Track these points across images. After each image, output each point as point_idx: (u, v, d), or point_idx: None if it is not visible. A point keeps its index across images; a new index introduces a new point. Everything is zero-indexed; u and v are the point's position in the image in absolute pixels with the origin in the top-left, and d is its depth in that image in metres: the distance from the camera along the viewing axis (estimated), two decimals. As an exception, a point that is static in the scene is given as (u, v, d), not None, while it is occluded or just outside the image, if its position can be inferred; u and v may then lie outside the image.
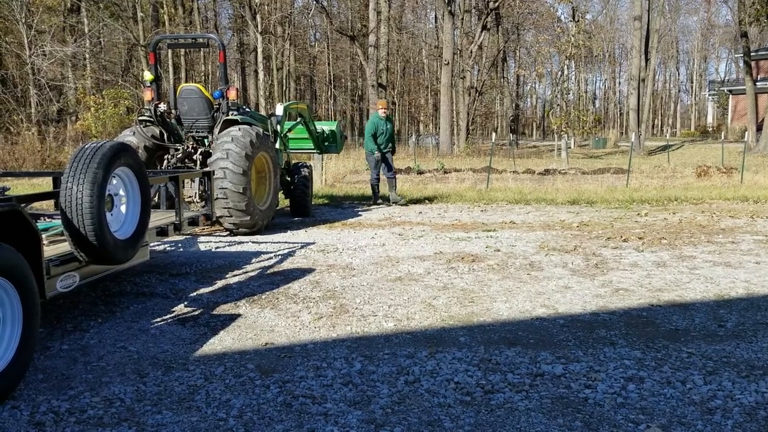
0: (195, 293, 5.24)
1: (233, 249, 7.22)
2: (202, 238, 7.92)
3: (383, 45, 32.15)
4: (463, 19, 35.81)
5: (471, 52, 35.10)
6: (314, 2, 40.63)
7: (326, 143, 11.26)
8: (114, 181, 4.25)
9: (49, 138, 21.22)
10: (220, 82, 8.74)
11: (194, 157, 8.34)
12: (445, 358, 3.69)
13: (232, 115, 8.22)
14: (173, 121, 8.51)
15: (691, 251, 6.81)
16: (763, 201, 11.28)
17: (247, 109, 8.90)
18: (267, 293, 5.20)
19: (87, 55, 28.65)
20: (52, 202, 5.97)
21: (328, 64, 52.23)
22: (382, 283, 5.54)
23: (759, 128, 31.81)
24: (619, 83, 70.86)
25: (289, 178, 9.74)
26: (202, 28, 34.84)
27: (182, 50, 31.81)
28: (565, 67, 41.00)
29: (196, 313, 4.68)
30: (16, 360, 3.18)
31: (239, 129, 7.84)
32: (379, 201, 11.45)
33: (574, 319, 4.47)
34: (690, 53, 73.78)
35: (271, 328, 4.30)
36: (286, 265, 6.29)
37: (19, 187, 12.23)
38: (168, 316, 4.61)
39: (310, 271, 6.00)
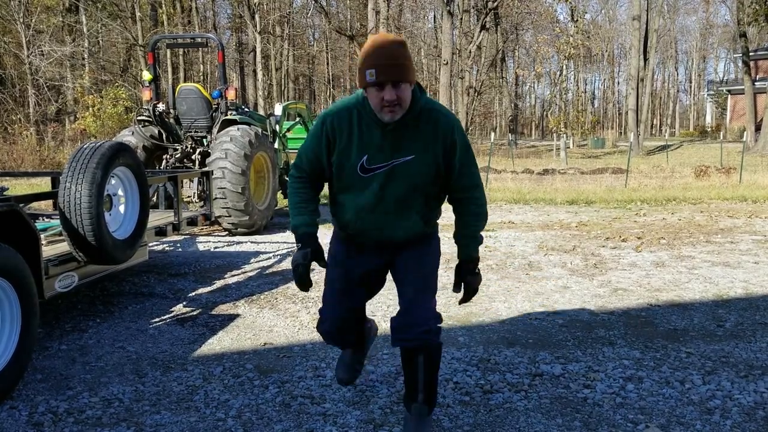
0: (194, 293, 5.23)
1: (232, 249, 7.22)
2: (200, 238, 7.92)
3: (382, 45, 32.05)
4: (462, 19, 35.82)
5: (470, 52, 35.10)
6: (313, 2, 40.63)
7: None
8: (113, 181, 4.25)
9: (47, 138, 21.20)
10: (219, 81, 8.74)
11: (193, 157, 8.34)
12: (444, 358, 3.69)
13: (230, 115, 8.22)
14: (172, 121, 8.51)
15: (689, 251, 6.81)
16: (762, 201, 11.29)
17: (246, 109, 8.90)
18: (266, 293, 5.20)
19: (85, 55, 28.61)
20: (50, 202, 5.97)
21: (327, 63, 52.21)
22: (381, 283, 5.52)
23: (757, 128, 31.83)
24: (618, 83, 70.92)
25: (287, 178, 9.73)
26: (200, 28, 34.81)
27: (181, 50, 31.79)
28: (564, 67, 41.01)
29: (195, 313, 4.67)
30: (15, 360, 3.17)
31: (238, 129, 7.84)
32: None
33: (573, 319, 4.47)
34: (689, 53, 73.87)
35: (270, 329, 4.30)
36: (285, 265, 6.29)
37: (17, 187, 12.21)
38: (167, 316, 4.61)
39: (308, 271, 5.99)
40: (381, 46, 2.41)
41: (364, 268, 2.82)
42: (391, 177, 2.56)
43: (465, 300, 2.84)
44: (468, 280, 2.79)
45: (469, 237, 2.75)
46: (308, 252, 2.66)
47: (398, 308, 2.76)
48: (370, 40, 2.45)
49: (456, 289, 2.82)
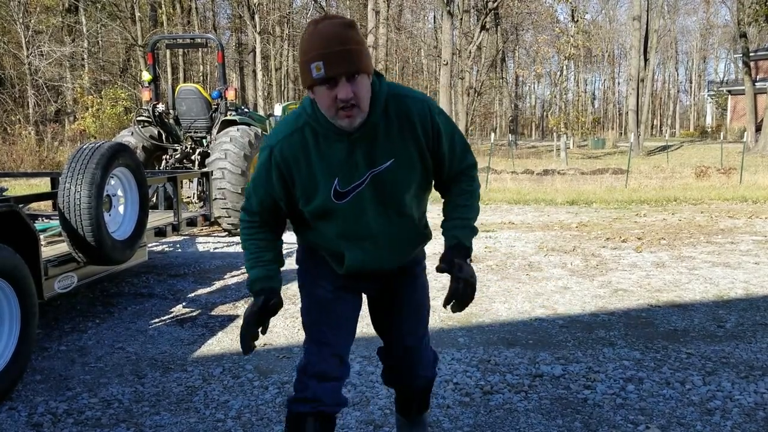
0: (193, 294, 5.23)
1: (231, 250, 7.21)
2: (200, 239, 7.91)
3: (382, 45, 32.15)
4: (462, 19, 35.83)
5: (470, 52, 35.12)
6: (312, 2, 40.64)
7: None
8: (112, 182, 4.25)
9: (47, 138, 21.19)
10: (219, 82, 8.74)
11: (192, 157, 8.34)
12: (444, 358, 3.69)
13: (230, 115, 8.22)
14: (171, 121, 8.52)
15: (690, 252, 6.80)
16: (762, 201, 11.28)
17: (246, 110, 8.90)
18: (265, 294, 5.19)
19: (85, 56, 28.63)
20: (50, 202, 5.97)
21: (327, 64, 52.14)
22: (381, 283, 5.52)
23: (758, 128, 31.81)
24: (618, 83, 70.92)
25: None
26: (200, 28, 34.82)
27: (180, 50, 31.79)
28: (564, 67, 41.01)
29: (195, 314, 4.67)
30: (14, 361, 3.17)
31: (237, 129, 7.84)
32: None
33: (573, 319, 4.46)
34: (689, 53, 73.90)
35: (270, 329, 4.28)
36: (285, 265, 6.28)
37: (17, 187, 12.21)
38: (166, 317, 4.60)
39: (308, 271, 5.99)
40: (325, 30, 1.80)
41: (353, 289, 2.30)
42: (373, 190, 2.01)
43: (461, 306, 2.14)
44: (460, 265, 2.11)
45: (460, 220, 2.22)
46: (262, 299, 2.16)
47: (387, 338, 2.39)
48: (309, 25, 1.85)
49: (447, 301, 2.13)
